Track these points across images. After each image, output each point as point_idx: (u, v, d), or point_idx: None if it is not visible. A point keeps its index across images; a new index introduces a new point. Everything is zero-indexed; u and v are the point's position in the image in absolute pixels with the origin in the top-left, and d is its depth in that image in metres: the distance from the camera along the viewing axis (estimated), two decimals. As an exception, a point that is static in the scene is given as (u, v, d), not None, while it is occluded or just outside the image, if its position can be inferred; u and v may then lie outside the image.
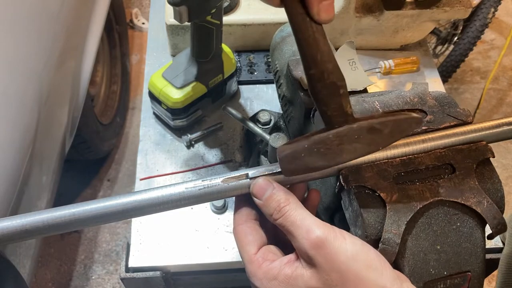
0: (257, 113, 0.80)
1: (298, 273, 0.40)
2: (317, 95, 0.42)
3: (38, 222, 0.41)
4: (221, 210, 0.78)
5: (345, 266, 0.38)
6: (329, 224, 0.41)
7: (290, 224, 0.41)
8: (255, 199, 0.44)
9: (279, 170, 0.44)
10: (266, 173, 0.44)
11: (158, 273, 0.72)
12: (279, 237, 0.47)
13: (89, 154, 1.59)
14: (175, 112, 0.83)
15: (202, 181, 0.44)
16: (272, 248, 0.45)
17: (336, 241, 0.39)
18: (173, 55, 0.96)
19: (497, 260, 0.70)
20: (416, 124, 0.43)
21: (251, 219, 0.46)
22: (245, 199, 0.46)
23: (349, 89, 0.57)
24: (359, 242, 0.40)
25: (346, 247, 0.39)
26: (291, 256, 0.42)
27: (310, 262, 0.39)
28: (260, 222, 0.46)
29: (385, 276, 0.38)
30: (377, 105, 0.50)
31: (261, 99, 0.94)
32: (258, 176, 0.44)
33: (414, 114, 0.43)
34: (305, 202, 0.51)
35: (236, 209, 0.47)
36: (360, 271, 0.38)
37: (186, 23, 0.73)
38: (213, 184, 0.43)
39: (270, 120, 0.79)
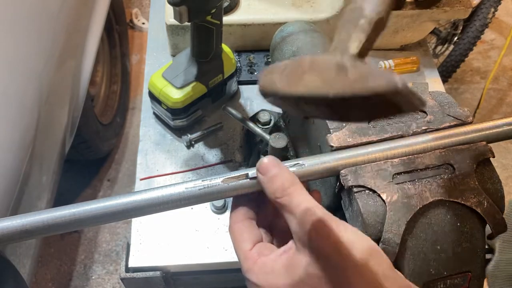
0: (257, 113, 0.80)
1: (295, 260, 0.38)
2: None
3: (38, 222, 0.41)
4: (221, 210, 0.78)
5: (347, 251, 0.36)
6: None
7: (294, 205, 0.39)
8: (259, 174, 0.42)
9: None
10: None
11: (158, 273, 0.72)
12: (276, 237, 0.46)
13: (89, 154, 1.59)
14: (175, 112, 0.83)
15: (202, 181, 0.44)
16: (268, 244, 0.43)
17: (339, 225, 0.37)
18: (173, 55, 0.96)
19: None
20: (387, 85, 0.30)
21: (248, 218, 0.45)
22: (243, 199, 0.45)
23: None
24: (360, 232, 0.38)
25: (349, 231, 0.37)
26: (286, 246, 0.40)
27: (309, 245, 0.37)
28: (257, 222, 0.45)
29: (384, 264, 0.37)
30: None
31: (261, 99, 0.93)
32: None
33: (395, 77, 0.30)
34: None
35: (233, 208, 0.46)
36: (362, 255, 0.36)
37: (186, 23, 0.73)
38: (213, 184, 0.43)
39: (270, 120, 0.79)
